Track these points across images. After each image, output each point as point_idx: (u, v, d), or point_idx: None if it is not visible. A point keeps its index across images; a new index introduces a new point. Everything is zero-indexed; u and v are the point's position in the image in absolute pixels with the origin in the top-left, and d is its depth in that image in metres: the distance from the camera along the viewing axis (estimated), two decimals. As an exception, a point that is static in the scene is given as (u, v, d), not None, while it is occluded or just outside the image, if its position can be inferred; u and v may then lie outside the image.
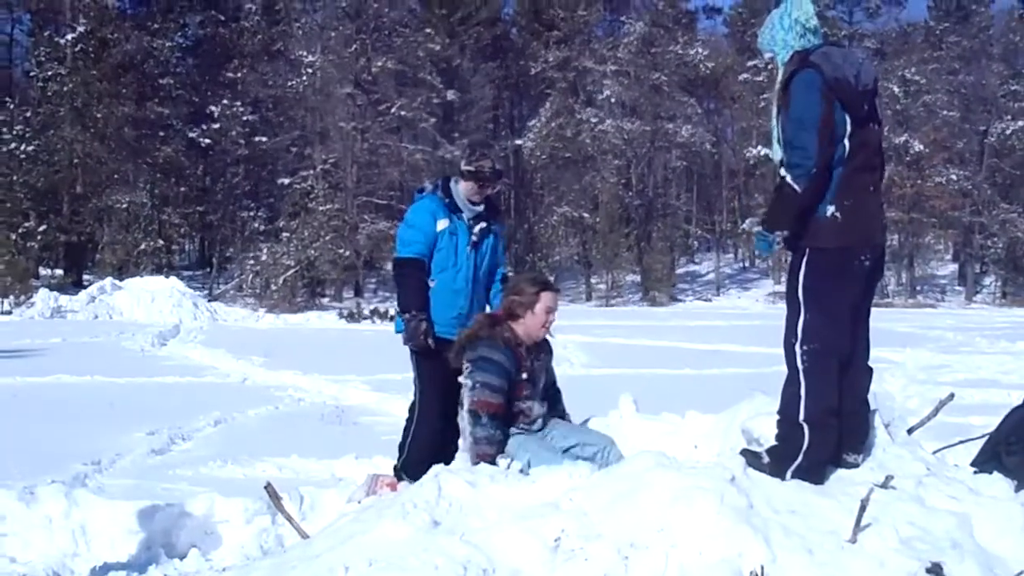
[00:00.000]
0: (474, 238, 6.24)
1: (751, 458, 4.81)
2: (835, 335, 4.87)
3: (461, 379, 5.53)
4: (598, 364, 16.01)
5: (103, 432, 9.09)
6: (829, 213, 4.80)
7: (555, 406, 6.01)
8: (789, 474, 4.68)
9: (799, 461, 4.71)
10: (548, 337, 5.86)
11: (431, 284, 6.18)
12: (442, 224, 6.18)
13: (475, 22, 59.91)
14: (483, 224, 6.29)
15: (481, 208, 6.30)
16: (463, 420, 5.50)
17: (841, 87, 4.79)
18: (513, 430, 5.57)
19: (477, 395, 5.41)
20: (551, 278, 5.85)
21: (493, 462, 5.27)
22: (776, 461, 4.74)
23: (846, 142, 4.81)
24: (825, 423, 4.78)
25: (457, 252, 6.20)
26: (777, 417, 4.97)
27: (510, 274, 6.48)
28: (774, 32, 5.11)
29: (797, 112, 4.80)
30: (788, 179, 4.75)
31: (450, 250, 6.19)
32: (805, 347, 4.85)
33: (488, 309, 6.30)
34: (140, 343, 20.77)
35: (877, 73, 5.05)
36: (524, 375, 5.58)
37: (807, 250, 4.86)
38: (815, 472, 4.74)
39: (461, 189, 6.25)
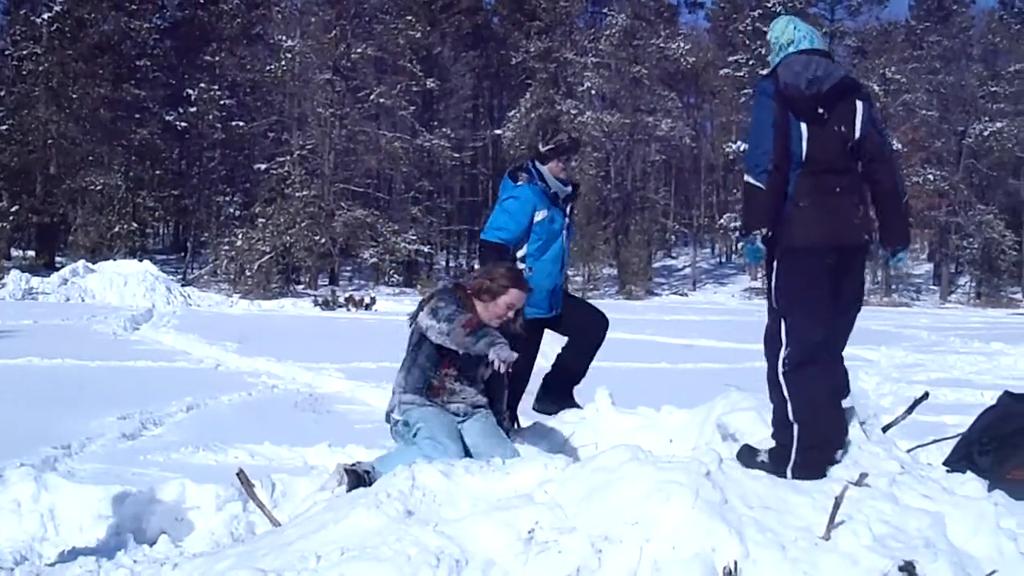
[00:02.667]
0: (567, 221, 6.45)
1: (747, 456, 4.89)
2: (810, 334, 4.94)
3: (423, 320, 5.50)
4: (573, 356, 15.92)
5: (73, 416, 9.00)
6: (787, 214, 4.91)
7: (494, 399, 5.94)
8: (789, 473, 4.75)
9: (794, 459, 4.79)
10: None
11: (529, 272, 6.25)
12: (540, 215, 6.30)
13: (456, 10, 59.89)
14: (571, 203, 6.52)
15: (570, 189, 6.48)
16: (429, 325, 5.45)
17: (789, 92, 4.93)
18: (426, 401, 5.62)
19: (437, 297, 5.55)
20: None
21: (482, 329, 5.26)
22: (775, 462, 4.82)
23: (803, 145, 4.91)
24: (814, 419, 4.87)
25: (554, 238, 6.39)
26: (771, 418, 5.05)
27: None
28: (770, 56, 5.29)
29: (753, 118, 5.02)
30: (751, 180, 4.88)
31: (548, 238, 6.37)
32: (786, 351, 4.95)
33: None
34: (112, 327, 20.64)
35: (847, 77, 5.15)
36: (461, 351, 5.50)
37: (776, 252, 4.97)
38: (812, 468, 4.80)
39: (548, 172, 6.36)
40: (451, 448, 5.34)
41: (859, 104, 5.12)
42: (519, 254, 6.34)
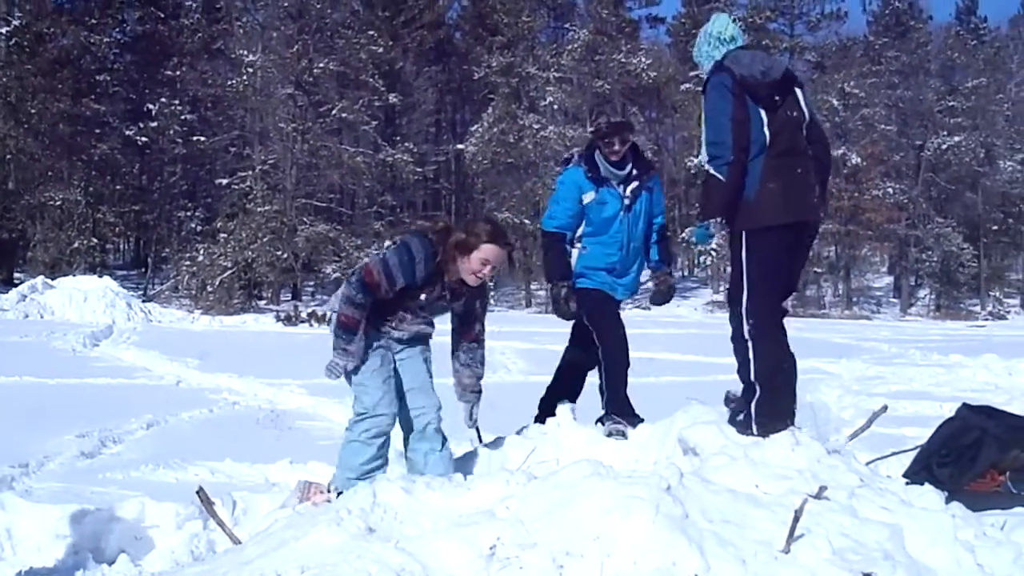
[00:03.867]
0: (627, 202, 6.32)
1: (733, 418, 5.55)
2: (774, 305, 5.53)
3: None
4: (536, 371, 16.01)
5: (31, 434, 8.92)
6: (755, 196, 5.36)
7: (460, 353, 5.97)
8: (754, 429, 5.30)
9: (754, 416, 5.35)
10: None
11: (583, 251, 6.39)
12: (588, 197, 6.30)
13: (418, 25, 59.86)
14: (635, 184, 6.36)
15: (627, 170, 6.35)
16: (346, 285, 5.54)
17: (748, 82, 5.38)
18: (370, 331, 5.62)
19: (374, 265, 5.44)
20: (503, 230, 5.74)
21: (355, 329, 5.40)
22: (744, 421, 5.42)
23: (765, 131, 5.38)
24: (773, 382, 5.41)
25: (609, 221, 6.31)
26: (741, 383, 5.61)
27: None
28: (701, 47, 5.77)
29: (711, 111, 5.44)
30: (711, 170, 5.36)
31: (600, 221, 6.31)
32: (752, 320, 5.44)
33: (644, 261, 6.54)
34: (72, 343, 20.44)
35: (788, 67, 5.67)
36: (423, 296, 5.59)
37: (743, 233, 5.43)
38: (771, 424, 5.26)
39: (599, 155, 6.35)
40: (386, 415, 5.54)
41: (798, 91, 5.61)
42: (578, 234, 6.43)
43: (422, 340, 5.88)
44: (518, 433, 6.33)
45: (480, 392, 6.04)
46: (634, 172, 6.37)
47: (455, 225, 5.73)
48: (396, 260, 5.42)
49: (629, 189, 6.34)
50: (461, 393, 6.01)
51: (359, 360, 5.49)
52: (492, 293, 53.84)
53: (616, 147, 6.29)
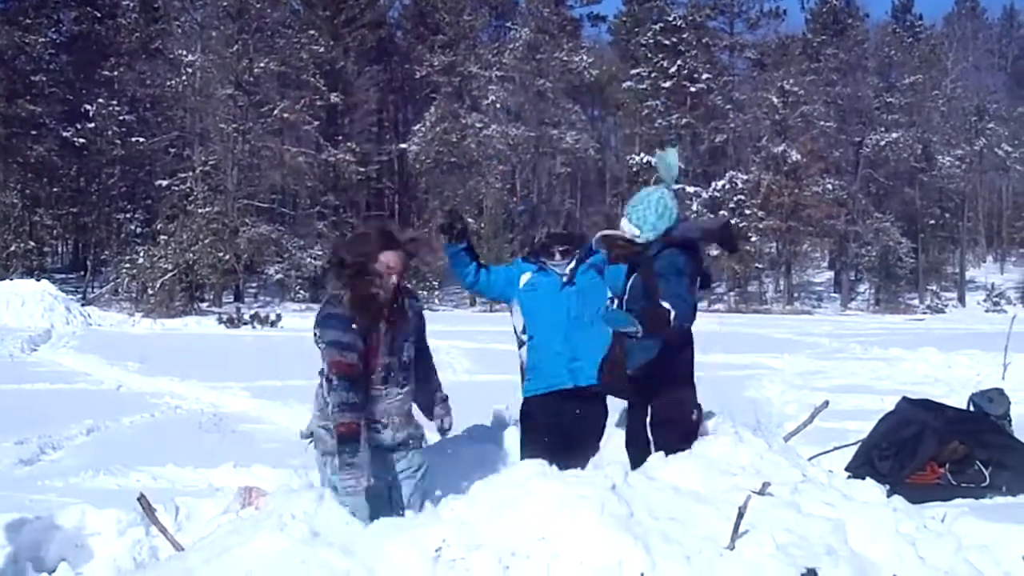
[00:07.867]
0: (564, 279, 6.04)
1: None
2: None
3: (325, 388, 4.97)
4: (481, 370, 16.00)
5: (-32, 442, 8.78)
6: None
7: (427, 383, 5.47)
8: None
9: None
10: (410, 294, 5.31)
11: (531, 340, 6.08)
12: (525, 277, 6.17)
13: (360, 24, 59.55)
14: (573, 264, 6.10)
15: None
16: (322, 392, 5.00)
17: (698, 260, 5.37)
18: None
19: (327, 355, 4.91)
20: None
21: (357, 436, 4.80)
22: None
23: None
24: None
25: (547, 296, 6.04)
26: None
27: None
28: (647, 213, 5.35)
29: (674, 278, 5.16)
30: (676, 323, 4.97)
31: (538, 300, 6.09)
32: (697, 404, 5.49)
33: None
34: (9, 348, 20.12)
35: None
36: (380, 338, 5.01)
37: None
38: None
39: None
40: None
41: None
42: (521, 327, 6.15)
43: (416, 443, 5.30)
44: (463, 433, 6.32)
45: (447, 400, 5.63)
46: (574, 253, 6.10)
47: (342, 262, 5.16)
48: (331, 331, 4.95)
49: (568, 267, 6.04)
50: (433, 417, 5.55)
51: (369, 471, 4.86)
52: (437, 292, 53.74)
53: (557, 257, 6.09)
